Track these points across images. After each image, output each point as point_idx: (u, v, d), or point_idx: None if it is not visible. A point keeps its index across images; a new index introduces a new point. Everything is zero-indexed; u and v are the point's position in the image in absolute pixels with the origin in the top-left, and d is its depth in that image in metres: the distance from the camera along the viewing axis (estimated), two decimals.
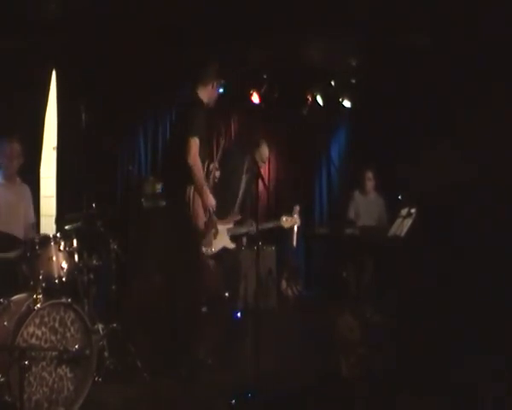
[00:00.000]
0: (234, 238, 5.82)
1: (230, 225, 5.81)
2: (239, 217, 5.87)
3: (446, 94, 6.69)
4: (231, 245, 5.79)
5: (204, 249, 5.61)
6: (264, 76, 8.05)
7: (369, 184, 7.51)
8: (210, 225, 5.62)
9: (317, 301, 7.88)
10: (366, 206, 7.52)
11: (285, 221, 5.93)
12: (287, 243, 7.07)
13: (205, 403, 4.40)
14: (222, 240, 5.72)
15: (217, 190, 5.64)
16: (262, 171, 6.23)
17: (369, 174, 7.50)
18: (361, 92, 8.34)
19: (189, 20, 6.24)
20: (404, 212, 6.82)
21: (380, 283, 6.92)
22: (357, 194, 7.58)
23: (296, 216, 5.98)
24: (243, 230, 5.85)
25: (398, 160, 7.31)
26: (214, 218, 5.63)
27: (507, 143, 5.70)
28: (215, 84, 5.13)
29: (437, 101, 6.88)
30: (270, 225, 5.92)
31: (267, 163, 8.84)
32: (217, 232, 5.65)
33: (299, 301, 7.97)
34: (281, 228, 5.97)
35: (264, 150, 6.00)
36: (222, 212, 5.72)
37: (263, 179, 5.93)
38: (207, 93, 5.09)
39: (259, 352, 4.26)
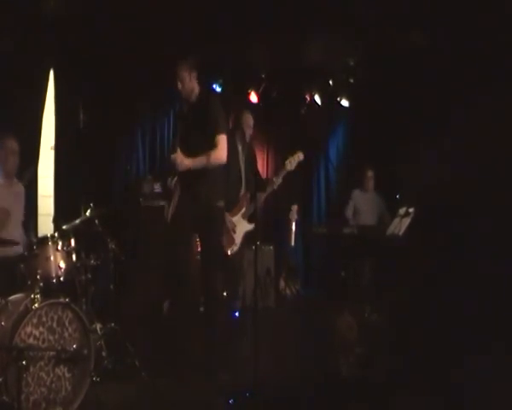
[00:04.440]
0: (251, 217, 5.78)
1: (243, 210, 5.77)
2: (248, 195, 5.83)
3: (445, 93, 6.68)
4: (250, 226, 5.75)
5: (229, 250, 5.61)
6: (263, 75, 8.05)
7: (370, 183, 7.54)
8: (226, 226, 5.62)
9: (315, 301, 7.87)
10: (366, 204, 7.54)
11: (290, 163, 5.89)
12: (285, 243, 7.07)
13: (203, 403, 4.39)
14: (241, 229, 5.69)
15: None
16: (253, 144, 6.18)
17: (370, 173, 7.53)
18: (359, 92, 8.34)
19: (189, 19, 6.23)
20: (402, 211, 6.83)
21: (378, 282, 6.92)
22: (356, 192, 7.59)
23: (299, 153, 5.95)
24: (270, 189, 5.80)
25: (397, 159, 7.31)
26: (227, 216, 5.62)
27: (507, 143, 5.70)
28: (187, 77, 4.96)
29: (436, 100, 6.88)
30: (280, 177, 5.88)
31: (265, 163, 8.86)
32: (234, 226, 5.64)
33: (297, 301, 7.96)
34: (290, 173, 5.92)
35: (248, 118, 5.92)
36: (231, 202, 5.71)
37: (254, 154, 5.95)
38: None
39: (258, 351, 4.25)
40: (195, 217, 4.83)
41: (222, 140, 4.82)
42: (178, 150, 4.75)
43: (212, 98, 5.04)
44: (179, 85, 4.88)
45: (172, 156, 4.75)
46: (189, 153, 4.77)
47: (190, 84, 4.90)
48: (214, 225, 4.93)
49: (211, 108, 4.87)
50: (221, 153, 4.83)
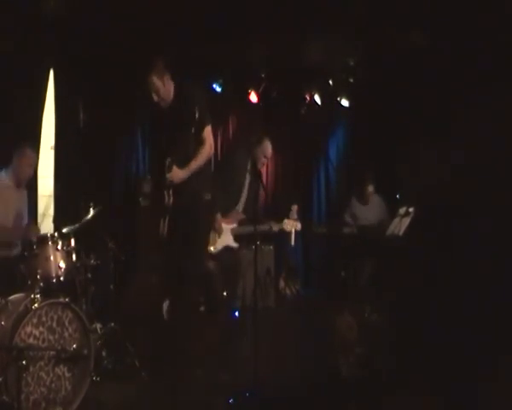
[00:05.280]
0: (237, 238, 5.82)
1: (234, 225, 5.81)
2: (243, 217, 5.86)
3: (445, 93, 6.69)
4: (234, 244, 5.78)
5: (209, 247, 5.63)
6: (262, 75, 8.04)
7: (370, 197, 7.50)
8: (214, 225, 5.63)
9: (315, 301, 7.86)
10: (364, 212, 7.52)
11: (287, 226, 5.98)
12: (285, 243, 7.07)
13: (203, 402, 4.39)
14: (225, 239, 5.72)
15: (220, 186, 5.62)
16: (263, 168, 6.19)
17: (370, 188, 7.45)
18: (359, 92, 8.33)
19: (189, 19, 6.23)
20: (402, 211, 6.83)
21: (378, 282, 6.92)
22: (354, 201, 7.57)
23: (298, 223, 6.07)
24: (264, 228, 5.85)
25: (397, 159, 7.31)
26: (219, 218, 5.63)
27: (507, 143, 5.70)
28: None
29: (436, 100, 6.89)
30: (275, 228, 5.97)
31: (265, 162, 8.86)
32: (221, 231, 5.65)
33: (297, 301, 7.95)
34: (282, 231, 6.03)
35: (267, 147, 5.97)
36: (224, 209, 5.73)
37: (261, 181, 5.98)
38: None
39: (258, 351, 4.25)
40: (180, 208, 4.67)
41: (207, 134, 4.72)
42: (174, 168, 4.58)
43: (189, 92, 4.76)
44: (155, 97, 4.69)
45: (169, 175, 4.56)
46: (178, 156, 4.63)
47: (165, 89, 4.70)
48: (198, 215, 4.77)
49: (191, 102, 4.64)
50: (209, 147, 4.74)
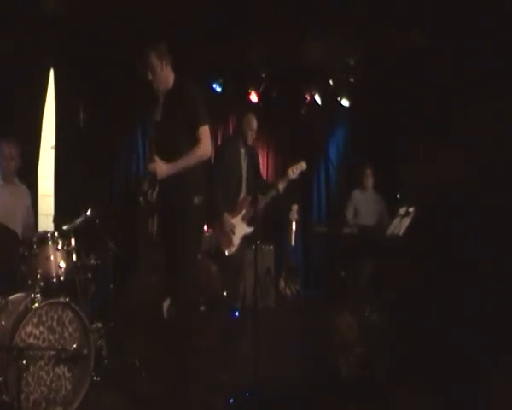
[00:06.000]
0: (251, 220, 5.77)
1: (243, 212, 5.77)
2: (249, 198, 5.82)
3: (445, 93, 6.69)
4: (250, 229, 5.74)
5: (226, 251, 5.61)
6: (262, 75, 8.05)
7: (369, 181, 7.53)
8: (225, 227, 5.62)
9: (315, 301, 7.87)
10: (366, 204, 7.54)
11: (293, 172, 5.87)
12: (285, 242, 7.07)
13: (203, 403, 4.39)
14: (240, 231, 5.69)
15: (221, 184, 5.60)
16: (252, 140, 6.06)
17: (369, 171, 7.51)
18: (359, 91, 8.34)
19: (189, 19, 6.23)
20: (402, 211, 6.83)
21: (378, 282, 6.92)
22: (356, 193, 7.59)
23: (302, 162, 5.93)
24: (272, 194, 5.80)
25: (397, 159, 7.32)
26: (226, 217, 5.62)
27: (507, 143, 5.70)
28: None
29: (436, 100, 6.89)
30: (283, 185, 5.86)
31: (266, 163, 8.87)
32: (233, 228, 5.64)
33: (297, 301, 7.97)
34: (292, 181, 5.88)
35: (252, 120, 5.89)
36: (230, 203, 5.71)
37: (256, 154, 5.98)
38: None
39: (258, 351, 4.25)
40: (169, 209, 4.40)
41: (205, 133, 4.37)
42: (157, 159, 4.29)
43: (189, 86, 4.49)
44: (149, 76, 4.43)
45: (151, 166, 4.29)
46: (168, 152, 4.33)
47: (163, 72, 4.44)
48: (188, 219, 4.42)
49: (188, 96, 4.39)
50: (206, 148, 4.40)
